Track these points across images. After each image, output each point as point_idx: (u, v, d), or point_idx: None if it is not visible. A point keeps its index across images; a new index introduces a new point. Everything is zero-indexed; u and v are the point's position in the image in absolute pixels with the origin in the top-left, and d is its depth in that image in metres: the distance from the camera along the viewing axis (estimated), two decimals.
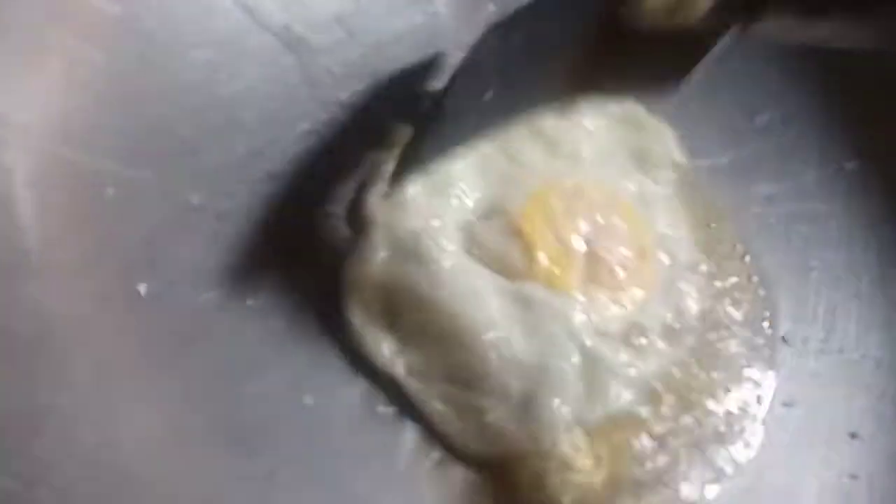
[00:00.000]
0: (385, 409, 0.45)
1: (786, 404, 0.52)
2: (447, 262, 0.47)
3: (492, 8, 0.60)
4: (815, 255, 0.59)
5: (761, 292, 0.57)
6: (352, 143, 0.53)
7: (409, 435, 0.45)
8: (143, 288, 0.41)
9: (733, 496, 0.48)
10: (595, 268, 0.49)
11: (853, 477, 0.49)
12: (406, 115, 0.54)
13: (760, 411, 0.52)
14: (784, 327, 0.56)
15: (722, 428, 0.50)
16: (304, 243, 0.48)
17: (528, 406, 0.45)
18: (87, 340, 0.38)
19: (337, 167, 0.52)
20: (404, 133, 0.53)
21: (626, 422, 0.48)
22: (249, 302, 0.45)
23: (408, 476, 0.44)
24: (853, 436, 0.51)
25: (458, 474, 0.44)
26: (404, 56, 0.58)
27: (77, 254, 0.39)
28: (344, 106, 0.55)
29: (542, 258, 0.48)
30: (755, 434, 0.51)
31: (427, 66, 0.56)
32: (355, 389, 0.45)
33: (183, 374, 0.40)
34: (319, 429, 0.43)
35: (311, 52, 0.54)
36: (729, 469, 0.49)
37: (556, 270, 0.49)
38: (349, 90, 0.55)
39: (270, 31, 0.54)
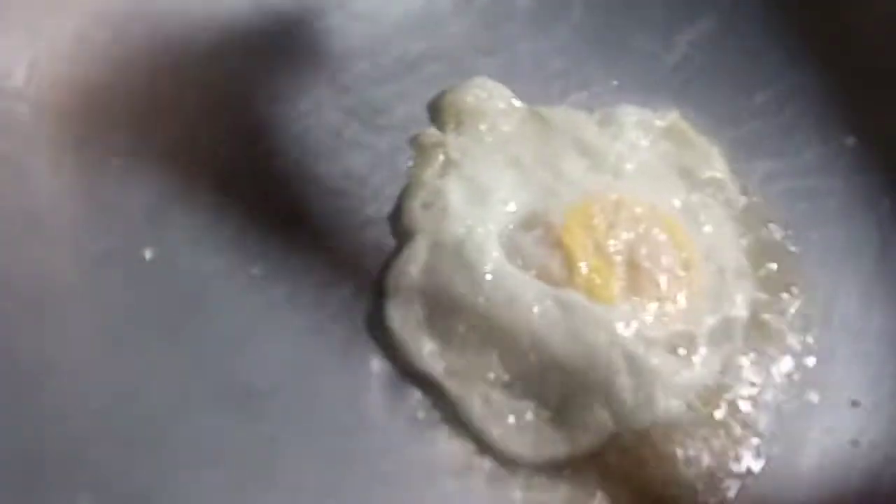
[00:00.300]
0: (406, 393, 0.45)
1: (788, 377, 0.52)
2: (489, 268, 0.48)
3: None
4: (815, 230, 0.59)
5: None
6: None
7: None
8: (148, 253, 0.42)
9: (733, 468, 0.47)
10: (636, 278, 0.50)
11: (854, 444, 0.48)
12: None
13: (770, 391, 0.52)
14: (783, 303, 0.56)
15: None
16: (337, 239, 0.50)
17: (568, 410, 0.45)
18: (92, 301, 0.39)
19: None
20: (438, 139, 0.55)
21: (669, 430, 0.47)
22: (254, 270, 0.46)
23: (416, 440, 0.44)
24: (854, 404, 0.50)
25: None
26: (407, 42, 0.60)
27: (84, 218, 0.41)
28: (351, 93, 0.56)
29: (583, 268, 0.49)
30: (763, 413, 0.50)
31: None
32: (368, 362, 0.46)
33: (187, 338, 0.41)
34: (323, 397, 0.43)
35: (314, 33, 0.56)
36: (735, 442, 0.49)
37: (597, 280, 0.49)
38: (350, 74, 0.57)
39: (274, 13, 0.55)
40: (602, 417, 0.45)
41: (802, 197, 0.61)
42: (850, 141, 0.62)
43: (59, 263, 0.39)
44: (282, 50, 0.54)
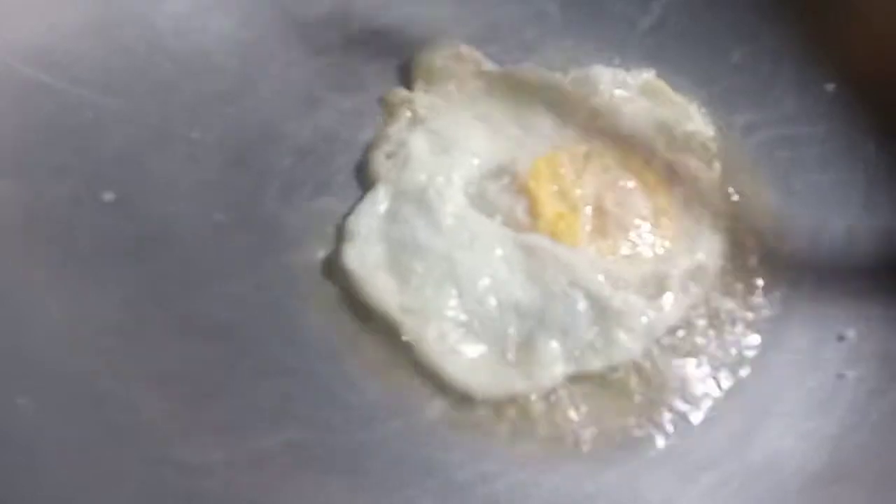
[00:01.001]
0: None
1: (774, 314, 0.51)
2: (450, 212, 0.49)
3: None
4: (798, 177, 0.58)
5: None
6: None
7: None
8: (110, 195, 0.43)
9: (716, 405, 0.46)
10: (604, 223, 0.50)
11: (840, 377, 0.47)
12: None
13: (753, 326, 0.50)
14: (769, 244, 0.55)
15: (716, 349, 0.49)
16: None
17: (525, 348, 0.45)
18: (58, 234, 0.40)
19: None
20: (406, 97, 0.56)
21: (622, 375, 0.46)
22: (218, 216, 0.47)
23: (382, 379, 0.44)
24: (840, 338, 0.49)
25: (439, 405, 0.44)
26: (372, 11, 0.61)
27: (54, 162, 0.42)
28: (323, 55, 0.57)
29: (548, 213, 0.50)
30: (748, 345, 0.49)
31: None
32: (329, 296, 0.46)
33: (149, 272, 0.42)
34: (284, 333, 0.44)
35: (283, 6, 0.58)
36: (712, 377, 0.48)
37: (562, 224, 0.50)
38: (320, 41, 0.58)
39: None
40: (559, 356, 0.45)
41: (784, 146, 0.60)
42: (830, 87, 0.61)
43: (20, 196, 0.40)
44: (253, 16, 0.56)
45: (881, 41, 0.61)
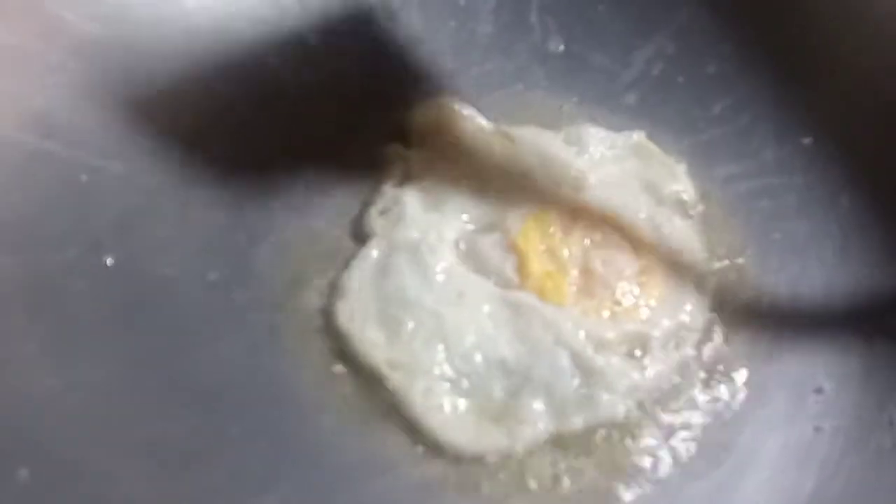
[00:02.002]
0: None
1: (754, 368, 0.52)
2: (440, 269, 0.50)
3: None
4: (777, 227, 0.60)
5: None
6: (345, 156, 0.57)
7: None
8: (109, 260, 0.45)
9: (697, 458, 0.47)
10: (590, 282, 0.52)
11: (817, 430, 0.48)
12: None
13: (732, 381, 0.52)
14: (747, 293, 0.56)
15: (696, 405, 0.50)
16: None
17: (509, 406, 0.46)
18: (54, 302, 0.41)
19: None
20: (401, 153, 0.58)
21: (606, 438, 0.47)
22: (211, 276, 0.48)
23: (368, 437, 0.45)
24: (818, 391, 0.50)
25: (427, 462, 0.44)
26: (369, 66, 0.63)
27: (51, 231, 0.44)
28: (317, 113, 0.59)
29: (536, 272, 0.51)
30: (727, 399, 0.51)
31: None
32: (319, 353, 0.47)
33: (143, 337, 0.43)
34: (275, 391, 0.45)
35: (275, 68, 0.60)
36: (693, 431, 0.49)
37: (549, 283, 0.51)
38: (314, 97, 0.60)
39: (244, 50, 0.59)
40: (543, 414, 0.46)
41: (763, 196, 0.62)
42: (807, 141, 0.63)
43: (20, 269, 0.41)
44: (245, 80, 0.58)
45: (856, 97, 0.64)
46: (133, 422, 0.39)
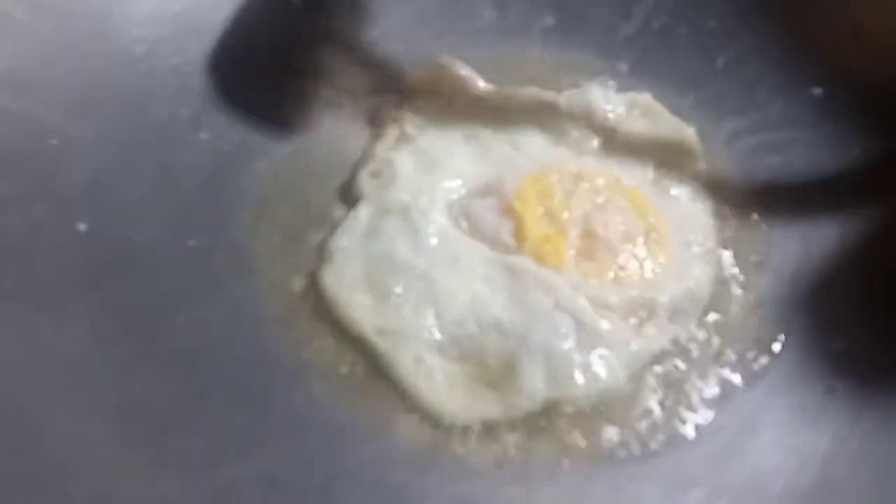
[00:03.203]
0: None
1: (761, 326, 0.50)
2: (432, 232, 0.48)
3: None
4: (786, 182, 0.57)
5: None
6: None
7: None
8: (82, 226, 0.43)
9: (705, 421, 0.45)
10: (591, 246, 0.49)
11: (831, 389, 0.46)
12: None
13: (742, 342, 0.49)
14: (757, 256, 0.54)
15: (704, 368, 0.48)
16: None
17: (505, 371, 0.44)
18: (18, 262, 0.39)
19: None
20: (394, 114, 0.56)
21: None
22: (191, 243, 0.46)
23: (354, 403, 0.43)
24: (829, 350, 0.48)
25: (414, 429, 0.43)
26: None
27: (15, 190, 0.42)
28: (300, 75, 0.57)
29: (533, 235, 0.49)
30: (738, 361, 0.48)
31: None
32: (304, 318, 0.45)
33: (116, 301, 0.42)
34: (257, 356, 0.43)
35: (266, 25, 0.57)
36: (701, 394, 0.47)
37: (547, 247, 0.49)
38: (300, 58, 0.58)
39: (221, 7, 0.57)
40: (540, 381, 0.43)
41: (770, 151, 0.59)
42: (817, 91, 0.60)
43: None
44: (230, 38, 0.55)
45: (867, 44, 0.60)
46: (105, 386, 0.37)
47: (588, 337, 0.45)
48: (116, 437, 0.36)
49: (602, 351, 0.45)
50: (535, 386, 0.43)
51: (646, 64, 0.62)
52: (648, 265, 0.50)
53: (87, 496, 0.33)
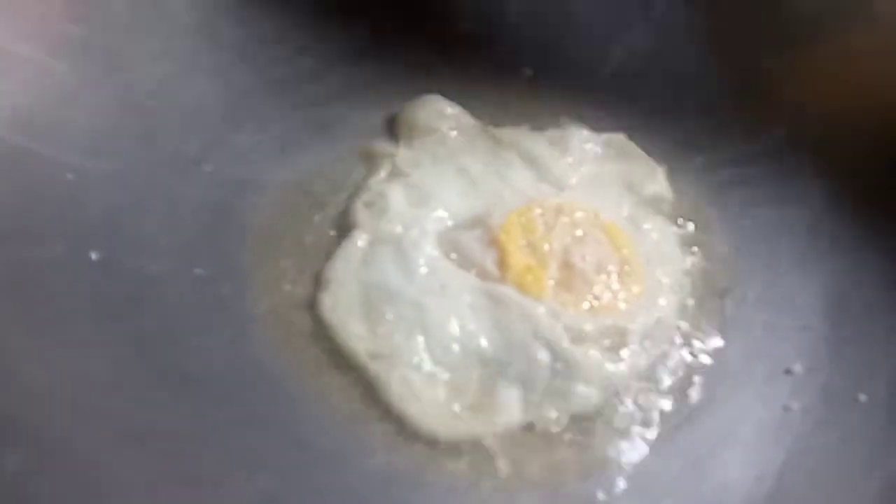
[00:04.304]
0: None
1: (724, 350, 0.54)
2: (422, 262, 0.52)
3: None
4: (751, 214, 0.61)
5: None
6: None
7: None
8: (94, 255, 0.46)
9: (673, 438, 0.49)
10: (570, 276, 0.53)
11: (787, 409, 0.50)
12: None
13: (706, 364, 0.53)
14: (723, 283, 0.58)
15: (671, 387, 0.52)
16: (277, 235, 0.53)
17: (486, 394, 0.47)
18: (41, 296, 0.42)
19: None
20: (388, 149, 0.59)
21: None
22: (197, 271, 0.49)
23: (350, 425, 0.46)
24: (788, 372, 0.52)
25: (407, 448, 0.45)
26: (349, 65, 0.64)
27: (37, 226, 0.45)
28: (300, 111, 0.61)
29: (516, 265, 0.52)
30: (701, 382, 0.52)
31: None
32: (302, 344, 0.48)
33: (130, 329, 0.44)
34: (256, 385, 0.46)
35: (265, 63, 0.61)
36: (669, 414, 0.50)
37: (529, 277, 0.52)
38: (299, 95, 0.62)
39: (224, 48, 0.60)
40: (518, 404, 0.47)
41: (738, 185, 0.63)
42: (782, 131, 0.65)
43: (5, 263, 0.42)
44: (231, 76, 0.59)
45: (830, 90, 0.65)
46: (121, 411, 0.40)
47: (564, 364, 0.49)
48: (130, 458, 0.38)
49: (576, 377, 0.48)
50: (512, 410, 0.47)
51: (621, 103, 0.66)
52: (622, 295, 0.53)
53: None
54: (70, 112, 0.51)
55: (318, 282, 0.51)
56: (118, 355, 0.42)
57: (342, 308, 0.49)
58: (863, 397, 0.49)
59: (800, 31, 0.66)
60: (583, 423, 0.48)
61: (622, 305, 0.53)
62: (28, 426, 0.38)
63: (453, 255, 0.53)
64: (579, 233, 0.55)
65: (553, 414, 0.47)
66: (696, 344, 0.54)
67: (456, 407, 0.47)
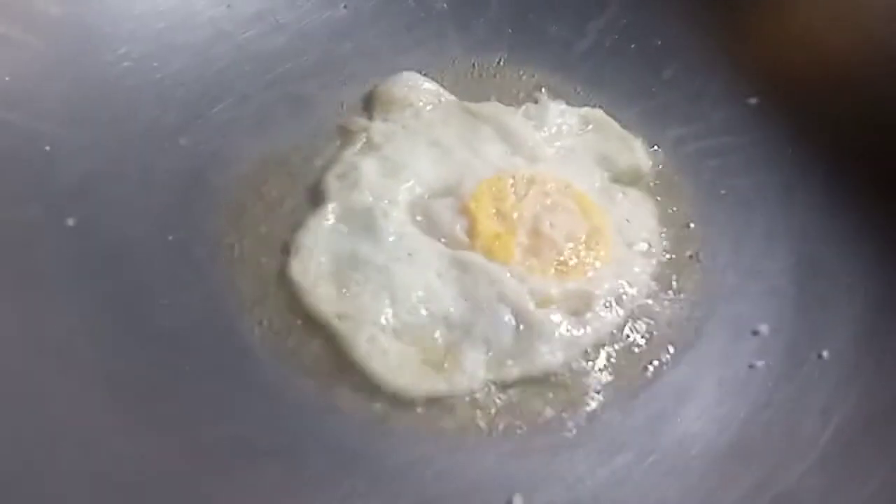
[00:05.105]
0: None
1: (693, 314, 0.54)
2: (392, 230, 0.53)
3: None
4: (724, 183, 0.62)
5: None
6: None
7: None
8: (71, 222, 0.47)
9: (637, 395, 0.50)
10: (538, 243, 0.53)
11: (751, 367, 0.50)
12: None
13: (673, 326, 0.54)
14: (693, 250, 0.58)
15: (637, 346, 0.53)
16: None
17: (450, 354, 0.48)
18: (16, 257, 0.44)
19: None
20: (363, 124, 0.60)
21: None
22: (170, 237, 0.51)
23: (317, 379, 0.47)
24: (755, 333, 0.52)
25: (372, 403, 0.46)
26: (326, 43, 0.65)
27: (14, 190, 0.46)
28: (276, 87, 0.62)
29: (484, 232, 0.53)
30: (668, 342, 0.53)
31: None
32: (273, 305, 0.50)
33: (104, 287, 0.46)
34: (231, 337, 0.47)
35: (238, 43, 0.63)
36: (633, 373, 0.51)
37: (497, 244, 0.53)
38: (276, 72, 0.63)
39: (200, 27, 0.62)
40: (481, 364, 0.48)
41: (711, 155, 0.64)
42: (753, 100, 0.66)
43: None
44: (209, 52, 0.60)
45: (799, 57, 0.66)
46: (93, 360, 0.42)
47: (528, 325, 0.50)
48: (104, 403, 0.40)
49: (539, 339, 0.49)
50: (476, 369, 0.48)
51: (597, 78, 0.67)
52: (589, 262, 0.54)
53: (78, 452, 0.38)
54: (48, 86, 0.52)
55: (288, 249, 0.52)
56: (91, 311, 0.44)
57: (312, 272, 0.50)
58: (826, 354, 0.50)
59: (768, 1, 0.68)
60: (547, 381, 0.48)
61: (589, 271, 0.54)
62: (4, 372, 0.39)
63: (422, 224, 0.54)
64: (549, 202, 0.56)
65: (516, 373, 0.48)
66: (664, 308, 0.54)
67: (421, 365, 0.48)
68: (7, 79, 0.51)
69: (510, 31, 0.70)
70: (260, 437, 0.42)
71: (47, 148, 0.50)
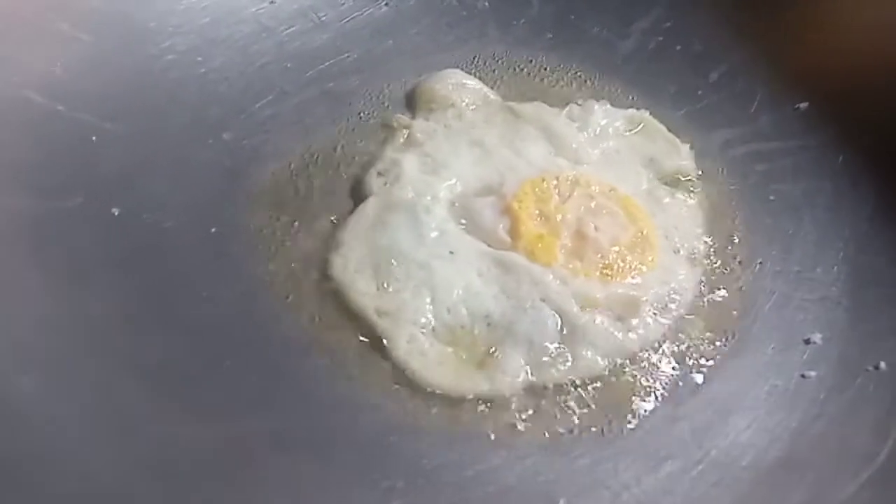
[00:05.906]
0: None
1: (741, 321, 0.53)
2: (433, 226, 0.52)
3: None
4: (772, 188, 0.61)
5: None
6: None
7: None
8: (116, 211, 0.48)
9: (684, 402, 0.48)
10: (581, 245, 0.53)
11: (804, 377, 0.49)
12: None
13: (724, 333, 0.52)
14: (742, 256, 0.57)
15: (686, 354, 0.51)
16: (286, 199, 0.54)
17: (491, 355, 0.47)
18: (60, 241, 0.44)
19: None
20: (405, 122, 0.60)
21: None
22: (212, 230, 0.51)
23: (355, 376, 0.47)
24: (807, 342, 0.51)
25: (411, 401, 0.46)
26: (368, 40, 0.65)
27: (60, 179, 0.47)
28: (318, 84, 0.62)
29: (527, 233, 0.52)
30: (718, 351, 0.51)
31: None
32: (313, 301, 0.49)
33: (144, 277, 0.46)
34: (269, 332, 0.47)
35: (280, 39, 0.63)
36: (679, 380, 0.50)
37: (540, 245, 0.52)
38: (317, 69, 0.63)
39: (243, 23, 0.62)
40: (522, 366, 0.47)
41: (759, 159, 0.63)
42: (803, 106, 0.64)
43: (29, 210, 0.44)
44: (250, 50, 0.60)
45: (849, 65, 0.64)
46: (131, 346, 0.42)
47: (571, 329, 0.49)
48: (141, 391, 0.40)
49: (582, 343, 0.48)
50: (517, 370, 0.47)
51: (640, 80, 0.66)
52: (634, 266, 0.53)
53: (115, 438, 0.38)
54: (94, 79, 0.53)
55: (328, 244, 0.51)
56: (132, 299, 0.44)
57: (352, 268, 0.50)
58: (883, 365, 0.48)
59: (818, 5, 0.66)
60: (590, 386, 0.47)
61: (635, 276, 0.52)
62: (41, 353, 0.39)
63: (464, 222, 0.53)
64: (594, 204, 0.55)
65: (557, 378, 0.47)
66: (712, 315, 0.53)
67: (461, 365, 0.47)
68: (57, 71, 0.51)
69: (552, 30, 0.69)
70: (296, 431, 0.42)
71: (94, 138, 0.50)
